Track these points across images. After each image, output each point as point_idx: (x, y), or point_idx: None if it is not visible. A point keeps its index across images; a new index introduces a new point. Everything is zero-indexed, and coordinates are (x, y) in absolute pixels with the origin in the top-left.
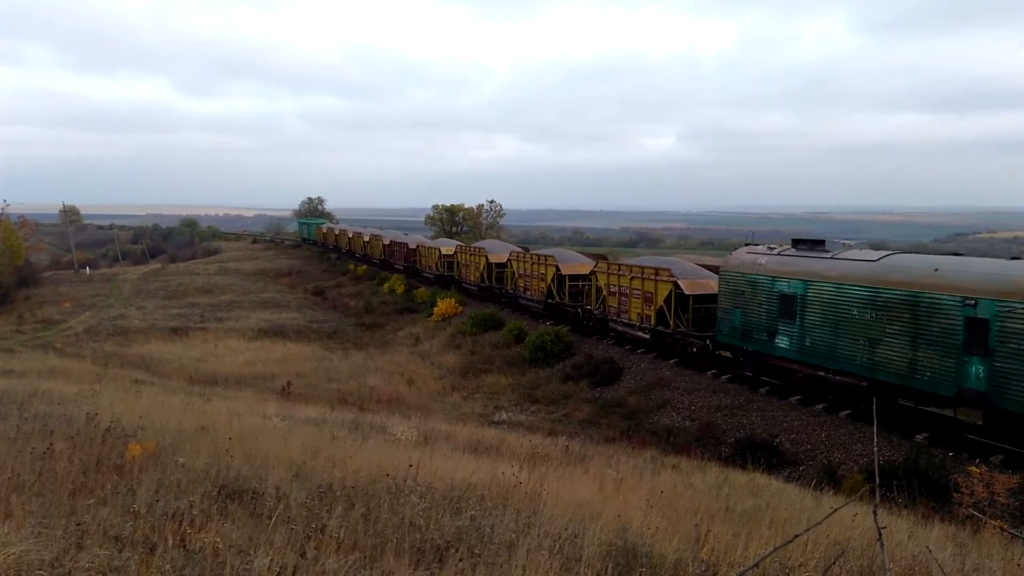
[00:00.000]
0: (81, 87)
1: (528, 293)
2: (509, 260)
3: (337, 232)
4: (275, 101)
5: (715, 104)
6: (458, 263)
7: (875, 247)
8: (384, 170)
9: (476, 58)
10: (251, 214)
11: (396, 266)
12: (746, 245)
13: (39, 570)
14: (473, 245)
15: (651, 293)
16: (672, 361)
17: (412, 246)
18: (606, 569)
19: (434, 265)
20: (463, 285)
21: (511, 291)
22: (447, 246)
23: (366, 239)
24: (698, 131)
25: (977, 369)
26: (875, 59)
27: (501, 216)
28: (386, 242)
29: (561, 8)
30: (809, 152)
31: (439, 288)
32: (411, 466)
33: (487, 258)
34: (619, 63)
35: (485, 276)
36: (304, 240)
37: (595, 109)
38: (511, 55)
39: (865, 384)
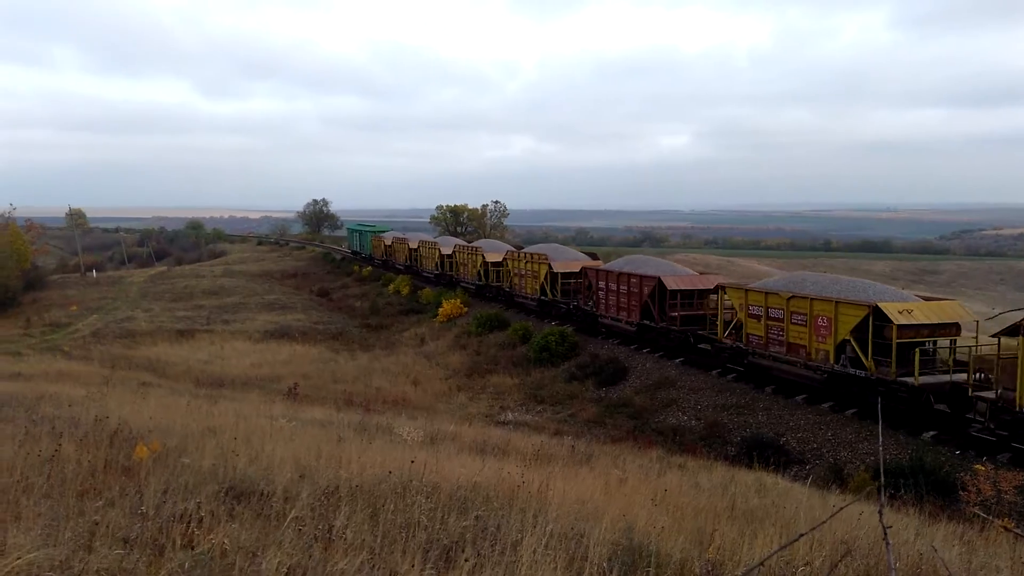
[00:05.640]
0: (102, 89)
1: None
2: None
3: (415, 245)
4: (295, 102)
5: (738, 101)
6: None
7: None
8: (393, 171)
9: (505, 56)
10: (256, 216)
11: (609, 321)
12: None
13: (49, 571)
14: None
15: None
16: (677, 360)
17: (659, 278)
18: (612, 569)
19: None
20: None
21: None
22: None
23: (493, 260)
24: (714, 129)
25: None
26: (907, 55)
27: (505, 216)
28: (557, 269)
29: (604, 4)
30: (823, 149)
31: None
32: (413, 461)
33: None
34: (649, 60)
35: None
36: (355, 254)
37: (617, 108)
38: (541, 52)
39: None
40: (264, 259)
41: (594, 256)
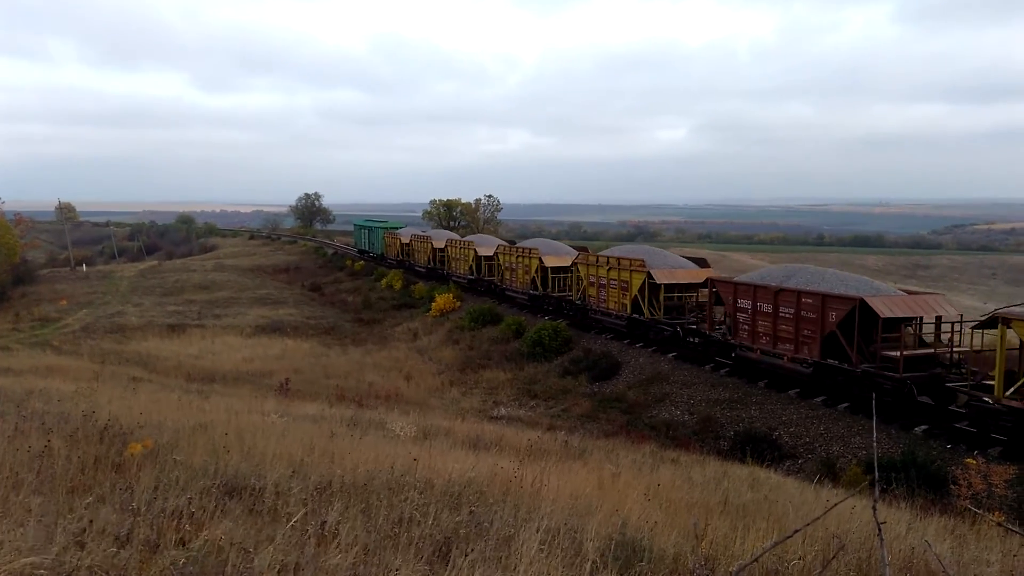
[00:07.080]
0: (99, 83)
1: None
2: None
3: (442, 244)
4: (293, 96)
5: (738, 96)
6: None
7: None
8: (389, 165)
9: (506, 49)
10: (248, 210)
11: (758, 355)
12: None
13: (40, 569)
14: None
15: None
16: (671, 355)
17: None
18: (607, 563)
19: None
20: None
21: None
22: None
23: (555, 264)
24: (712, 123)
25: None
26: (910, 49)
27: (498, 210)
28: (659, 280)
29: None
30: (820, 144)
31: None
32: (415, 459)
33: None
34: (651, 54)
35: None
36: (362, 253)
37: (616, 101)
38: (542, 45)
39: None
40: (256, 253)
41: (702, 263)
